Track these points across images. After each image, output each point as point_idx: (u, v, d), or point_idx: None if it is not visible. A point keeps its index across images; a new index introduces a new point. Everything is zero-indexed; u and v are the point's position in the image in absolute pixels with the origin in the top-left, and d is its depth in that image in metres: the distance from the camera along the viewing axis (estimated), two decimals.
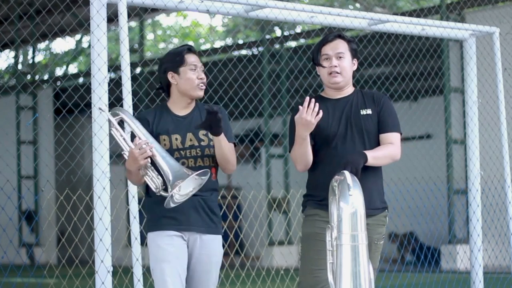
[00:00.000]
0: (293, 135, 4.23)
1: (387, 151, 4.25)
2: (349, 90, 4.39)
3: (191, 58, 4.24)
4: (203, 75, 4.24)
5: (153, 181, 4.06)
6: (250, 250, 15.38)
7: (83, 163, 10.41)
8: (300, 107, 4.08)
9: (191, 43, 22.34)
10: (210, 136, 4.22)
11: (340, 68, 4.31)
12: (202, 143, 4.22)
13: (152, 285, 4.25)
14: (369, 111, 4.29)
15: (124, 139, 4.09)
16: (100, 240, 4.74)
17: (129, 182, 4.71)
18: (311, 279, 4.20)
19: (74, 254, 7.23)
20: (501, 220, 7.30)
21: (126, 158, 4.08)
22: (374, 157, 4.16)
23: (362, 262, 3.82)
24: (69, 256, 7.40)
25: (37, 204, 17.63)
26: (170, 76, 4.25)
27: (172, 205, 4.00)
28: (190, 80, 4.21)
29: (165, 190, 4.02)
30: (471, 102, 6.46)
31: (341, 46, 4.35)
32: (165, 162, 3.98)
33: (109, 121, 4.12)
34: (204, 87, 4.25)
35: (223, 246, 4.33)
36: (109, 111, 4.20)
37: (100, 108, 4.18)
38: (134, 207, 4.87)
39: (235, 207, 10.63)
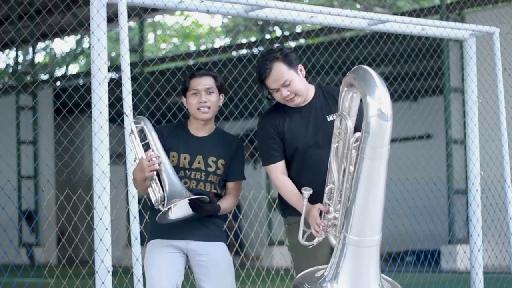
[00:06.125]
0: (266, 147, 4.16)
1: None
2: (310, 93, 4.21)
3: (194, 83, 4.32)
4: (203, 99, 4.28)
5: (155, 194, 4.12)
6: (250, 250, 15.38)
7: (83, 163, 10.41)
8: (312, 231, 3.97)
9: (191, 43, 22.35)
10: (219, 164, 4.29)
11: (292, 93, 4.11)
12: (209, 169, 4.29)
13: None
14: (335, 116, 4.08)
15: (138, 146, 4.16)
16: (100, 240, 4.74)
17: (129, 182, 4.72)
18: None
19: (74, 254, 7.23)
20: (501, 220, 7.30)
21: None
22: None
23: (383, 176, 3.60)
24: (69, 256, 7.40)
25: (37, 204, 17.63)
26: (184, 100, 4.38)
27: (164, 222, 4.08)
28: (191, 105, 4.31)
29: (164, 206, 4.09)
30: (471, 102, 6.46)
31: (281, 74, 4.07)
32: (168, 178, 4.05)
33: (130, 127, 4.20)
34: (206, 110, 4.29)
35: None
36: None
37: (125, 113, 4.25)
38: (134, 207, 4.86)
39: (234, 207, 10.61)
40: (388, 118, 3.54)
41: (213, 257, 4.27)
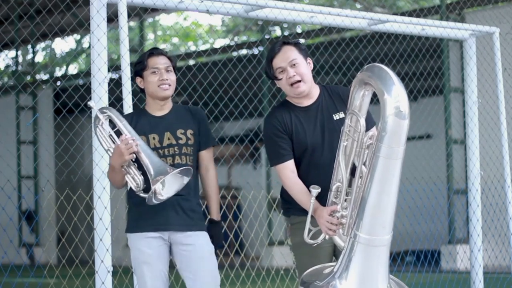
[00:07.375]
0: (275, 146, 4.13)
1: None
2: (315, 92, 4.22)
3: (152, 61, 4.32)
4: (165, 76, 4.30)
5: (134, 180, 4.11)
6: (250, 250, 15.38)
7: (83, 163, 10.41)
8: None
9: (191, 43, 22.37)
10: (188, 134, 4.30)
11: (299, 76, 4.12)
12: (180, 141, 4.29)
13: None
14: (341, 115, 4.12)
15: (111, 136, 4.14)
16: (100, 240, 4.75)
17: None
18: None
19: (74, 254, 7.23)
20: (501, 220, 7.31)
21: (110, 155, 4.13)
22: None
23: (397, 176, 3.58)
24: (69, 256, 7.40)
25: (37, 204, 17.63)
26: (139, 81, 4.38)
27: (155, 202, 4.04)
28: (151, 83, 4.31)
29: (145, 191, 4.07)
30: (471, 102, 6.46)
31: (290, 53, 4.13)
32: (149, 158, 4.04)
33: (96, 119, 4.17)
34: (168, 87, 4.30)
35: (223, 246, 4.32)
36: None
37: (89, 105, 4.22)
38: None
39: (235, 207, 10.62)
40: (405, 116, 3.51)
41: (195, 247, 4.25)
